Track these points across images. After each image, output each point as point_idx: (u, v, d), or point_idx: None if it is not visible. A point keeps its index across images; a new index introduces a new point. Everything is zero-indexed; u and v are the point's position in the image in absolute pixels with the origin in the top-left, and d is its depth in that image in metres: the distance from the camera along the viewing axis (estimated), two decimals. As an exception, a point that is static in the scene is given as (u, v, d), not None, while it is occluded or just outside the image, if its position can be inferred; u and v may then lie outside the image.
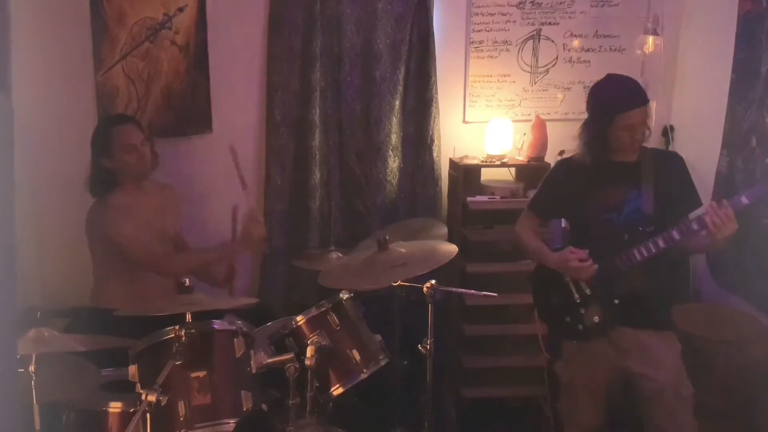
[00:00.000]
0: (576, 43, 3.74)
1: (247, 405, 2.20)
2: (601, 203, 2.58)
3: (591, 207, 2.59)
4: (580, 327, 2.60)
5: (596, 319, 2.56)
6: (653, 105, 3.61)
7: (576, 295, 2.60)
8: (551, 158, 3.40)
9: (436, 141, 3.65)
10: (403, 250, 2.67)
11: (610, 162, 2.59)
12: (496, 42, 3.72)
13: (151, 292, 2.84)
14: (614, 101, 2.52)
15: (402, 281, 2.70)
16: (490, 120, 3.63)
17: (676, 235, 2.42)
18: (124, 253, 2.80)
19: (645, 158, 2.58)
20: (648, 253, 2.47)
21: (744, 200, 2.36)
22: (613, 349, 2.58)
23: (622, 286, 2.53)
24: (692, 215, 2.51)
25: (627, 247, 2.50)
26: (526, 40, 3.73)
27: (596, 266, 2.51)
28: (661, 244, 2.44)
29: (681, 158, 2.70)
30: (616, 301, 2.54)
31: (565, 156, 2.90)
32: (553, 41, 3.74)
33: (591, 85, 3.27)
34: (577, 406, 2.73)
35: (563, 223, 2.70)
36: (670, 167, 2.61)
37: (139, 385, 2.15)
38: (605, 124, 2.51)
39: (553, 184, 2.75)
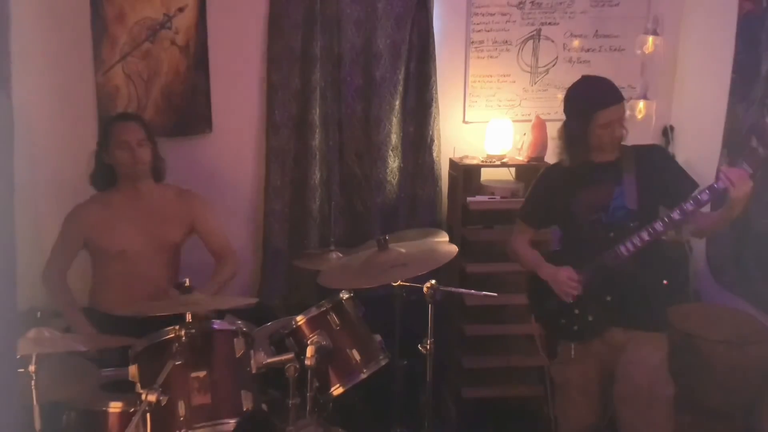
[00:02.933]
0: (576, 43, 3.74)
1: (247, 405, 2.20)
2: (588, 204, 2.58)
3: (578, 209, 2.60)
4: (576, 328, 2.61)
5: (590, 318, 2.57)
6: (653, 105, 3.64)
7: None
8: (551, 158, 3.39)
9: (436, 141, 3.66)
10: (403, 250, 2.67)
11: (590, 163, 2.59)
12: (496, 42, 3.72)
13: (138, 295, 2.85)
14: (591, 100, 2.54)
15: (402, 281, 2.70)
16: (490, 120, 3.63)
17: (659, 227, 2.42)
18: (91, 242, 2.87)
19: (625, 155, 2.59)
20: (633, 248, 2.46)
21: (719, 185, 2.31)
22: (606, 348, 2.59)
23: (614, 284, 2.53)
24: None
25: (613, 243, 2.50)
26: (526, 40, 3.73)
27: (574, 296, 2.54)
28: (646, 236, 2.44)
29: (662, 148, 2.71)
30: (608, 299, 2.55)
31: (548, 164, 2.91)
32: (553, 41, 3.74)
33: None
34: (572, 405, 2.73)
35: None
36: (651, 160, 2.60)
37: (139, 385, 2.15)
38: (584, 124, 2.52)
39: (539, 192, 2.76)
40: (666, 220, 2.41)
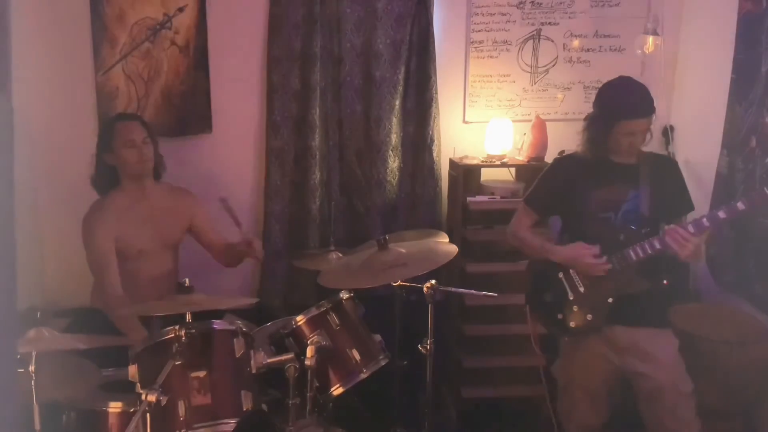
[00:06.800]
0: (576, 43, 3.74)
1: (247, 405, 2.20)
2: (599, 201, 2.58)
3: (589, 204, 2.59)
4: (572, 324, 2.61)
5: (589, 317, 2.57)
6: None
7: (570, 293, 2.61)
8: (551, 158, 3.39)
9: (436, 141, 3.65)
10: (403, 250, 2.67)
11: (609, 162, 2.59)
12: (496, 42, 3.72)
13: (147, 294, 2.84)
14: (620, 106, 2.52)
15: (402, 281, 2.70)
16: (490, 120, 3.63)
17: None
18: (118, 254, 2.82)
19: (643, 161, 2.60)
20: (643, 254, 2.48)
21: (740, 206, 2.36)
22: (610, 347, 2.59)
23: (617, 285, 2.53)
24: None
25: (623, 246, 2.51)
26: (526, 40, 3.73)
27: (610, 265, 2.52)
28: (657, 245, 2.45)
29: (676, 163, 2.75)
30: (610, 300, 2.55)
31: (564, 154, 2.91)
32: (553, 41, 3.74)
33: (591, 85, 3.25)
34: (575, 406, 2.73)
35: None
36: (665, 171, 2.63)
37: (139, 385, 2.15)
38: (607, 126, 2.52)
39: (552, 180, 2.75)
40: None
